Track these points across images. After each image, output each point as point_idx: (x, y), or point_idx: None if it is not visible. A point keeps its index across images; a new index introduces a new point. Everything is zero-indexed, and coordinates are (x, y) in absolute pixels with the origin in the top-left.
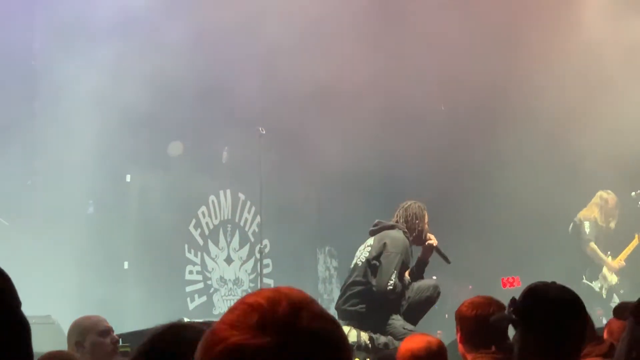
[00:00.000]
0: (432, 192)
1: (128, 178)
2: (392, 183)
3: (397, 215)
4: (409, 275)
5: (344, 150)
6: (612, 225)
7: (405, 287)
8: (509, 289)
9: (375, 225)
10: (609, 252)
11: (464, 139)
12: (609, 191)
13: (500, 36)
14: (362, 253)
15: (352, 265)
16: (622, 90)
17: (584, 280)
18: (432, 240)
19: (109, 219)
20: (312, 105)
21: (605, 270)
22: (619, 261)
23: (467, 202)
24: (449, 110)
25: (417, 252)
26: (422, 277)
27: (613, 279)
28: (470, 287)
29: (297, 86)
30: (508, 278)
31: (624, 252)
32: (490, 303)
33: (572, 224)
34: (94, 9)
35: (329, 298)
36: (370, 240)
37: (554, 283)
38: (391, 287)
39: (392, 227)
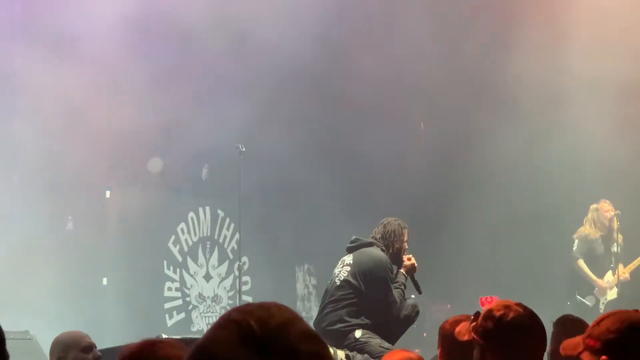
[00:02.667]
0: (411, 210)
1: (107, 194)
2: (372, 201)
3: (375, 232)
4: None
5: (322, 166)
6: (614, 235)
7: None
8: None
9: (353, 242)
10: (611, 265)
11: (445, 159)
12: (604, 200)
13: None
14: (341, 271)
15: (330, 284)
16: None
17: (577, 297)
18: (411, 262)
19: (88, 234)
20: (294, 122)
21: (598, 286)
22: (623, 274)
23: (447, 220)
24: (428, 129)
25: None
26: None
27: (612, 293)
28: (448, 306)
29: (279, 104)
30: (487, 297)
31: (629, 265)
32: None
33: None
34: (77, 26)
35: (307, 316)
36: (348, 258)
37: (518, 304)
38: (398, 307)
39: (370, 245)
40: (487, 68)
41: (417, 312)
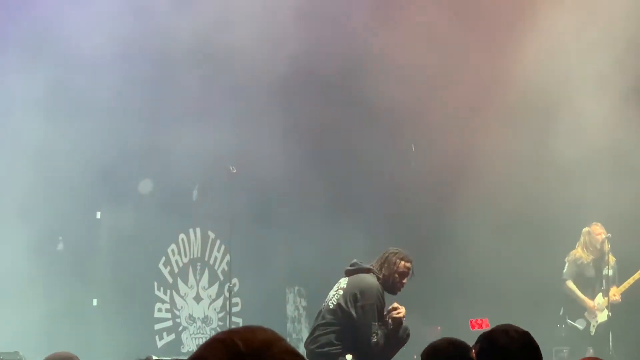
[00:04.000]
0: (402, 232)
1: (98, 215)
2: (364, 224)
3: (376, 260)
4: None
5: (313, 190)
6: (606, 258)
7: (386, 332)
8: (477, 330)
9: (352, 265)
10: (602, 287)
11: (437, 184)
12: (596, 223)
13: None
14: (335, 295)
15: (324, 306)
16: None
17: (568, 320)
18: (401, 313)
19: (78, 255)
20: (286, 144)
21: (589, 308)
22: (613, 296)
23: (438, 242)
24: (418, 146)
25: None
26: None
27: (602, 316)
28: (438, 328)
29: (271, 126)
30: (477, 320)
31: (620, 287)
32: (453, 345)
33: None
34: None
35: (297, 337)
36: (344, 282)
37: (511, 328)
38: (375, 341)
39: (368, 271)
40: (482, 82)
41: (408, 335)
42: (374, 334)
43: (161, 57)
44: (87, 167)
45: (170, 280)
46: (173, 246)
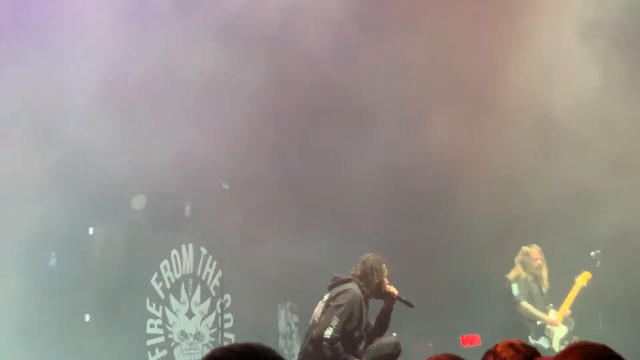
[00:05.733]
0: (394, 247)
1: (91, 231)
2: (355, 239)
3: (355, 268)
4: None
5: (305, 205)
6: (544, 274)
7: (356, 347)
8: (468, 347)
9: (333, 279)
10: (550, 305)
11: (426, 195)
12: (535, 245)
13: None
14: (318, 310)
15: (311, 322)
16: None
17: (530, 339)
18: (393, 290)
19: (71, 271)
20: (277, 160)
21: (548, 324)
22: (564, 311)
23: (429, 257)
24: (407, 168)
25: (381, 303)
26: (387, 327)
27: (561, 331)
28: (430, 344)
29: (262, 142)
30: (468, 336)
31: (567, 300)
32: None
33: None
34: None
35: (289, 354)
36: (326, 296)
37: (519, 343)
38: (328, 337)
39: (348, 281)
40: (474, 84)
41: (399, 351)
42: (330, 327)
43: (153, 71)
44: (80, 182)
45: (162, 296)
46: (165, 262)
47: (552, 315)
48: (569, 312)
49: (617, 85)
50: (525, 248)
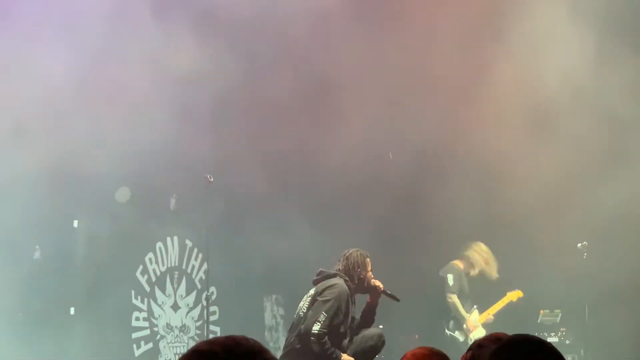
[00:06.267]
0: (380, 239)
1: (75, 223)
2: (342, 232)
3: (339, 263)
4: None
5: (291, 197)
6: (493, 273)
7: (341, 342)
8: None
9: (318, 274)
10: (475, 307)
11: (412, 188)
12: (481, 243)
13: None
14: (303, 304)
15: (295, 317)
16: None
17: (447, 331)
18: (378, 284)
19: (55, 264)
20: (262, 152)
21: (467, 324)
22: (487, 315)
23: (416, 250)
24: (396, 159)
25: (366, 297)
26: (373, 321)
27: (479, 333)
28: (416, 336)
29: (247, 134)
30: None
31: (493, 307)
32: (432, 354)
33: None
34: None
35: (275, 346)
36: (312, 291)
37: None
38: (315, 332)
39: (334, 276)
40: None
41: (383, 342)
42: (318, 322)
43: (140, 64)
44: (64, 175)
45: (147, 288)
46: (150, 255)
47: (475, 315)
48: (492, 318)
49: (607, 73)
50: (475, 243)
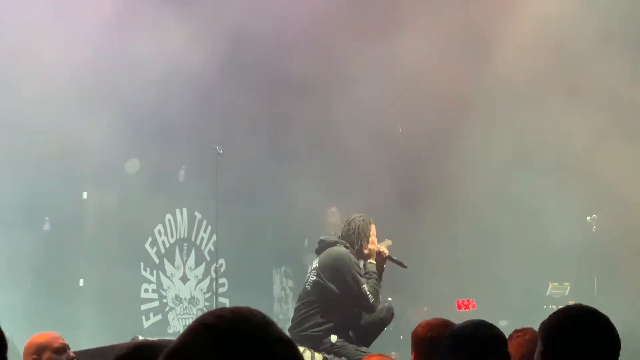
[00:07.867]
0: (388, 211)
1: (85, 195)
2: (350, 201)
3: (341, 230)
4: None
5: (299, 168)
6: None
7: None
8: (464, 311)
9: (319, 243)
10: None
11: (423, 160)
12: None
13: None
14: (310, 276)
15: (302, 289)
16: None
17: None
18: (383, 250)
19: (64, 236)
20: (271, 123)
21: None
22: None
23: (425, 222)
24: (407, 133)
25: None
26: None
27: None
28: (425, 309)
29: (257, 106)
30: (463, 300)
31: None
32: (446, 325)
33: None
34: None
35: (284, 318)
36: (316, 261)
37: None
38: (373, 301)
39: (334, 244)
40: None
41: (392, 315)
42: (369, 295)
43: (149, 43)
44: (73, 147)
45: (157, 260)
46: (160, 226)
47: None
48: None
49: (609, 56)
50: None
